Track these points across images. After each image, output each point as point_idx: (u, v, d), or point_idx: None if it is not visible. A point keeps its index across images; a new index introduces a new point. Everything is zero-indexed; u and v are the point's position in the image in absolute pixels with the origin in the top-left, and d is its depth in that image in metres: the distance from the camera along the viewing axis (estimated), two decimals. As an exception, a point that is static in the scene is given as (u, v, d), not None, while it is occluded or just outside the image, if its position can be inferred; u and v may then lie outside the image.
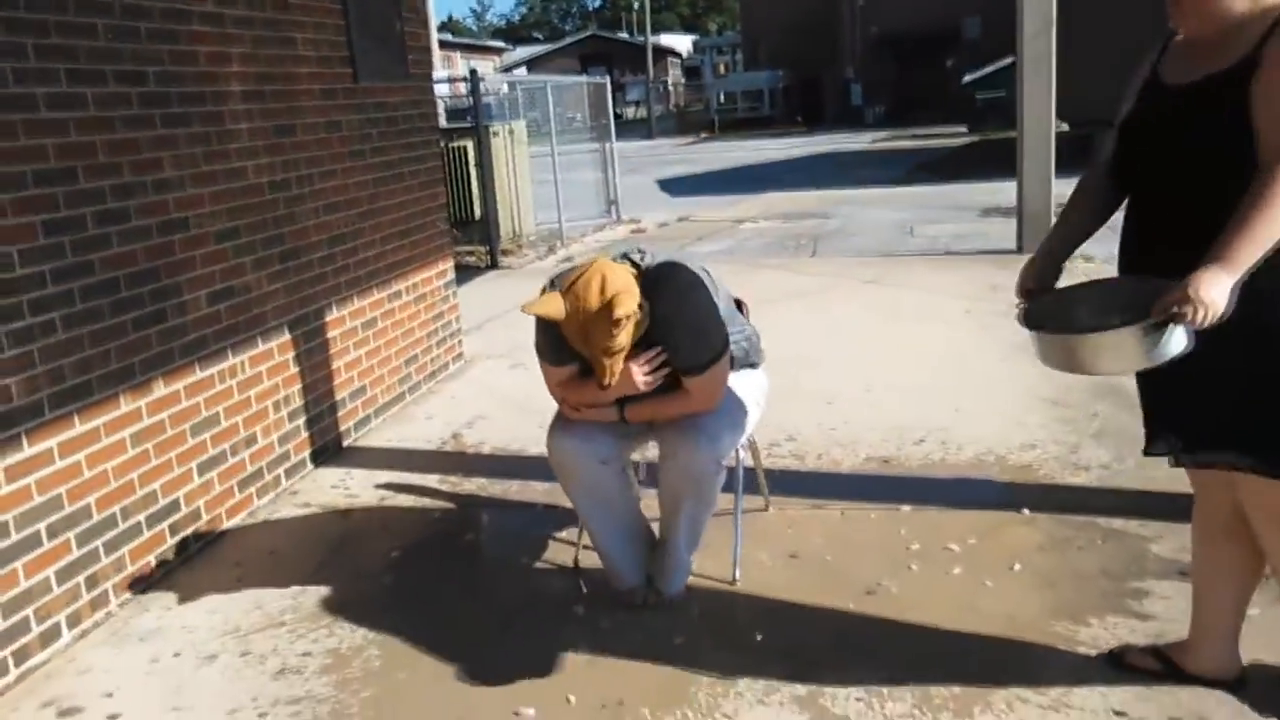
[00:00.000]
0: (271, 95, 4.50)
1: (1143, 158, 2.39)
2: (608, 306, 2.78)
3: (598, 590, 3.40)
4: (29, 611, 3.20)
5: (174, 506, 3.84)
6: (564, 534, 3.83)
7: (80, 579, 3.40)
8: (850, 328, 6.81)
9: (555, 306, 2.83)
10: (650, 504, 3.52)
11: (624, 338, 2.86)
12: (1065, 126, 16.41)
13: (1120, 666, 2.78)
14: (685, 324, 2.99)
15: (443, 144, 9.76)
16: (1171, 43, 2.44)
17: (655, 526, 3.42)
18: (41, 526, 3.24)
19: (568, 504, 3.45)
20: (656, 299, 2.95)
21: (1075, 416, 4.70)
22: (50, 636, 3.28)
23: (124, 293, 3.60)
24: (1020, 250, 8.98)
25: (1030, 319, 2.38)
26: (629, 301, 2.83)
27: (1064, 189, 10.23)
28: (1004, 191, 10.60)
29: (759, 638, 3.07)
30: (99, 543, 3.48)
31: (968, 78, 26.64)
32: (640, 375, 2.98)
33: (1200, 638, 2.68)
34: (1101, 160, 2.56)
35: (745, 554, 3.47)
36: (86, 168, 3.43)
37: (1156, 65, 2.43)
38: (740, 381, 3.31)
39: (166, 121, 3.83)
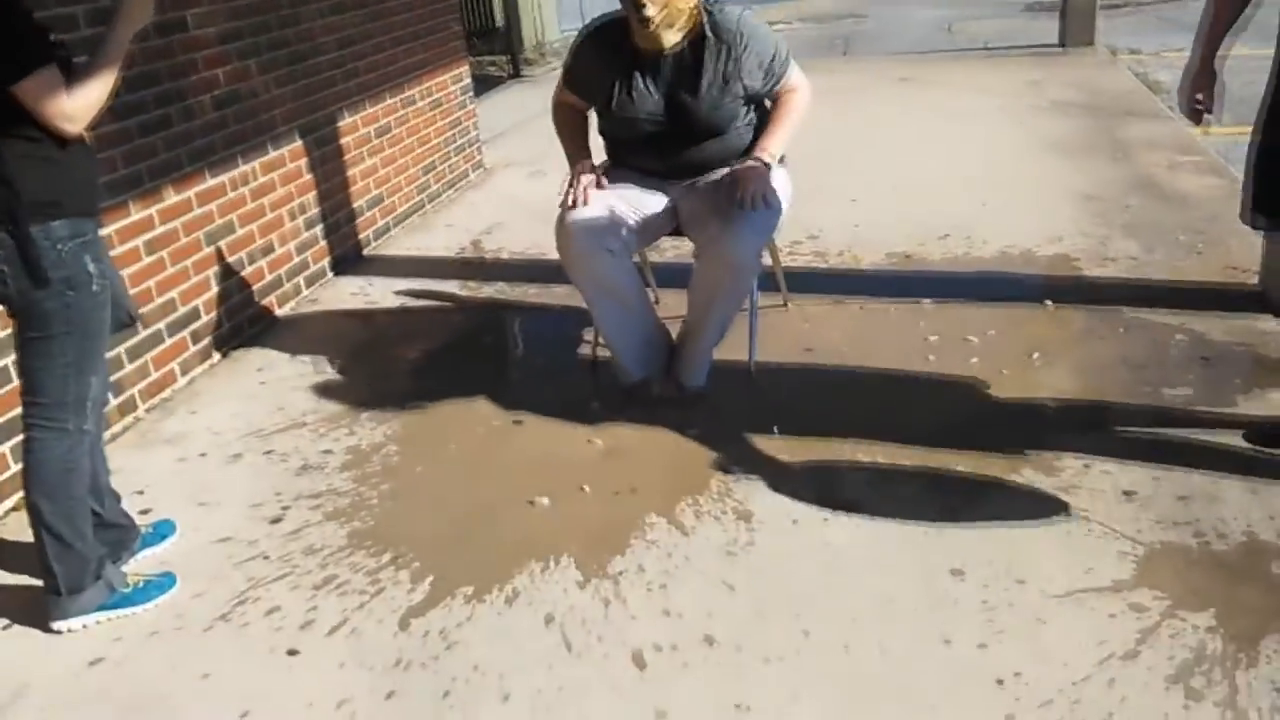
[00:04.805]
0: (266, -115, 4.27)
1: None
2: None
3: (614, 387, 3.40)
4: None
5: (193, 314, 3.85)
6: (582, 334, 3.82)
7: (105, 384, 3.44)
8: (879, 127, 6.59)
9: None
10: (668, 305, 3.49)
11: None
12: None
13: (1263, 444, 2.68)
14: (760, 33, 3.14)
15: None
16: None
17: (671, 328, 3.41)
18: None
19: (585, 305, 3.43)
20: (728, 19, 3.11)
21: (1107, 210, 4.56)
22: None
23: (125, 97, 3.51)
24: (1064, 46, 8.57)
25: None
26: None
27: (1113, -18, 9.55)
28: (1049, -16, 10.08)
29: (775, 429, 3.08)
30: (121, 350, 3.50)
31: None
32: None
33: None
34: None
35: (761, 349, 3.45)
36: (74, -38, 3.29)
37: None
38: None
39: (154, -87, 3.65)
